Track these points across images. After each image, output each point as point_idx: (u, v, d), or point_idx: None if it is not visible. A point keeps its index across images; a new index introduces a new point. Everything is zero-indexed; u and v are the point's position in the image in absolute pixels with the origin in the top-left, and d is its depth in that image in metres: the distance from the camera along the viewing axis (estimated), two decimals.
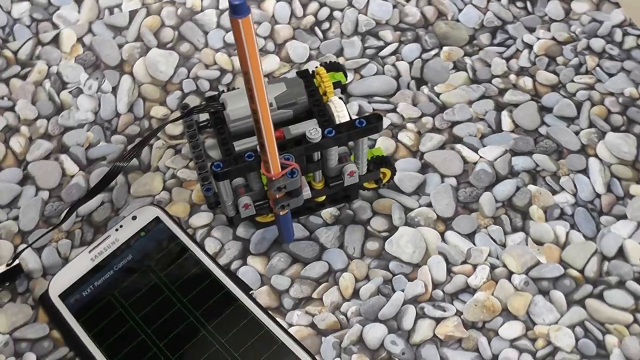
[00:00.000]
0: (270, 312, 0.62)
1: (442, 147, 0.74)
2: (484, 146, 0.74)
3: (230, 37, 0.83)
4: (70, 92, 0.81)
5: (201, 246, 0.65)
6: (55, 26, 0.83)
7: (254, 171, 0.58)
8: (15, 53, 0.82)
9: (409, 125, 0.76)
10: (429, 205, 0.70)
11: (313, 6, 0.85)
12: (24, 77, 0.81)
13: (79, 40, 0.82)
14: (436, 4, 0.86)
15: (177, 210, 0.71)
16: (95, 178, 0.74)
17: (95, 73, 0.81)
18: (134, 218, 0.67)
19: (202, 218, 0.71)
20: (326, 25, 0.84)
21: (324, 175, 0.63)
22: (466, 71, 0.80)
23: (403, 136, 0.76)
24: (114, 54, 0.82)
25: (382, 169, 0.66)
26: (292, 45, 0.82)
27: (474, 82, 0.79)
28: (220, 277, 0.62)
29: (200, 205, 0.71)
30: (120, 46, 0.83)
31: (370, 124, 0.59)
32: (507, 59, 0.80)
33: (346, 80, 0.72)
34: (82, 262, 0.64)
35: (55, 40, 0.82)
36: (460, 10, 0.85)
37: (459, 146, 0.74)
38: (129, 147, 0.75)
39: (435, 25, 0.84)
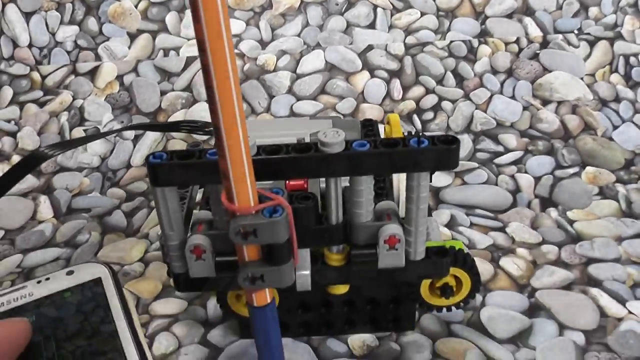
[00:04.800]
0: None
1: (567, 288, 0.47)
2: (637, 299, 0.46)
3: (299, 107, 0.63)
4: (85, 130, 0.63)
5: (136, 336, 0.40)
6: (98, 57, 0.68)
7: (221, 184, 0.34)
8: (43, 78, 0.67)
9: (521, 251, 0.51)
10: None
11: (417, 90, 0.65)
12: (42, 105, 0.65)
13: (119, 77, 0.67)
14: (583, 114, 0.62)
15: (141, 288, 0.48)
16: (67, 231, 0.54)
17: (123, 116, 0.64)
18: (70, 273, 0.45)
19: (170, 305, 0.47)
20: (429, 115, 0.63)
21: (347, 239, 0.38)
22: (617, 201, 0.56)
23: (508, 262, 0.50)
24: (152, 99, 0.65)
25: (454, 271, 0.40)
26: None
27: (628, 215, 0.54)
28: None
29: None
30: (164, 93, 0.66)
31: (434, 145, 0.34)
32: None
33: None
34: None
35: (92, 73, 0.67)
36: (615, 127, 0.62)
37: (595, 291, 0.47)
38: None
39: (579, 139, 0.61)
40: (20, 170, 0.43)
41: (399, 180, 0.43)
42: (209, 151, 0.35)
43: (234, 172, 0.31)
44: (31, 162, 0.42)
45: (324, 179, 0.37)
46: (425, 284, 0.42)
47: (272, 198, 0.32)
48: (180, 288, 0.40)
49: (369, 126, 0.47)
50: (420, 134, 0.52)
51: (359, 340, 0.44)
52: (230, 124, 0.29)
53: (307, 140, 0.44)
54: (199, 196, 0.45)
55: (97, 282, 0.45)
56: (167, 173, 0.35)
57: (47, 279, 0.46)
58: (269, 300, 0.35)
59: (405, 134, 0.48)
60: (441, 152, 0.35)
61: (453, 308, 0.43)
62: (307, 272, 0.38)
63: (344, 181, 0.36)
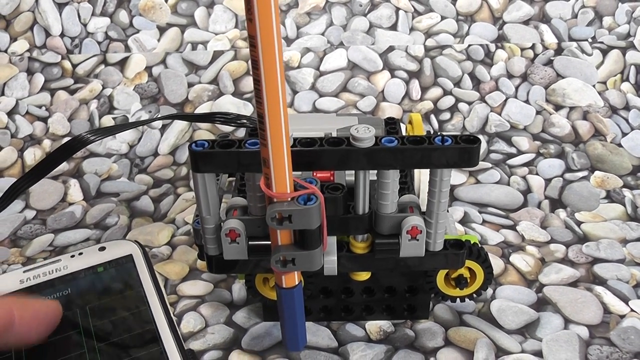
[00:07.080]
0: None
1: (573, 285, 0.50)
2: (639, 297, 0.49)
3: (322, 103, 0.66)
4: (114, 118, 0.66)
5: (167, 310, 0.43)
6: (127, 49, 0.70)
7: (258, 172, 0.37)
8: (74, 66, 0.70)
9: (530, 248, 0.53)
10: (538, 354, 0.45)
11: (435, 92, 0.67)
12: (72, 92, 0.68)
13: (147, 68, 0.69)
14: (593, 120, 0.65)
15: (170, 270, 0.51)
16: (96, 213, 0.57)
17: (150, 106, 0.67)
18: (102, 249, 0.48)
19: (197, 287, 0.49)
20: (446, 115, 0.66)
21: (372, 229, 0.40)
22: (623, 205, 0.58)
23: (518, 259, 0.52)
24: (180, 90, 0.68)
25: (469, 263, 0.43)
26: None
27: (633, 219, 0.57)
28: (171, 356, 0.39)
29: (203, 272, 0.50)
30: (191, 85, 0.68)
31: (458, 144, 0.37)
32: None
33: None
34: (7, 281, 0.44)
35: (122, 64, 0.70)
36: (624, 134, 0.64)
37: (599, 289, 0.50)
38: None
39: (589, 144, 0.63)
40: (63, 153, 0.46)
41: (420, 175, 0.46)
42: (248, 141, 0.37)
43: (275, 160, 0.33)
44: (74, 145, 0.45)
45: (349, 171, 0.39)
46: (441, 274, 0.44)
47: (307, 187, 0.35)
48: (214, 270, 0.42)
49: (391, 124, 0.50)
50: (439, 134, 0.55)
51: (376, 325, 0.47)
52: (274, 115, 0.32)
53: (335, 135, 0.46)
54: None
55: (129, 258, 0.47)
56: (208, 160, 0.38)
57: (81, 253, 0.48)
58: (297, 282, 0.38)
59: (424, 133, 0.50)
60: (464, 150, 0.37)
61: (466, 299, 0.46)
62: (334, 257, 0.40)
63: (371, 175, 0.39)
